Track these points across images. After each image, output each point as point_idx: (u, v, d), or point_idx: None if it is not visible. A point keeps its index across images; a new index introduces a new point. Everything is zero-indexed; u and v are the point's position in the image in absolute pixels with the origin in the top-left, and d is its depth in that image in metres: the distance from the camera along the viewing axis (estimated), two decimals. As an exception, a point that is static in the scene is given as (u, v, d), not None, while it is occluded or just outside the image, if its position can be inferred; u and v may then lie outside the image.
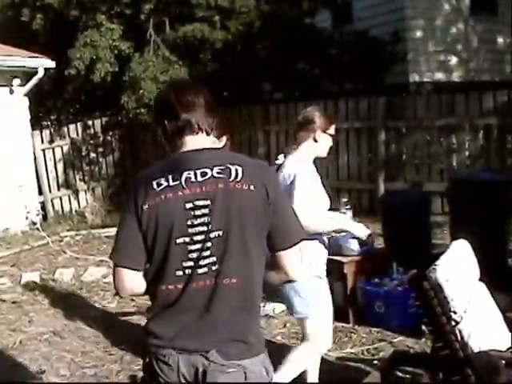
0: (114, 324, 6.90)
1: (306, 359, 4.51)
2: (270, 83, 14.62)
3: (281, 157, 4.39)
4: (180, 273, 2.54)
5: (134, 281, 2.64)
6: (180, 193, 2.55)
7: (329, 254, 4.54)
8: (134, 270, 2.62)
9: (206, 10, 12.44)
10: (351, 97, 11.84)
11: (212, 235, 2.53)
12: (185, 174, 2.57)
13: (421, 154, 10.92)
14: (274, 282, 2.83)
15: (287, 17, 13.20)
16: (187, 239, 2.53)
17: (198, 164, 2.59)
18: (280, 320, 6.64)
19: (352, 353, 5.67)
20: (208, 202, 2.53)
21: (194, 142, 2.68)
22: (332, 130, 4.35)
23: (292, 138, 4.24)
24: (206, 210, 2.53)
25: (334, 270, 6.29)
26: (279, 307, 6.84)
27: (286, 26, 13.13)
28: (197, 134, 2.68)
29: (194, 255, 2.53)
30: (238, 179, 2.56)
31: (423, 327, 5.50)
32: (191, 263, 2.54)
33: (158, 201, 2.54)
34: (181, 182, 2.56)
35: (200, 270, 2.54)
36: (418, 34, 16.29)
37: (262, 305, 6.76)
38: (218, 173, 2.56)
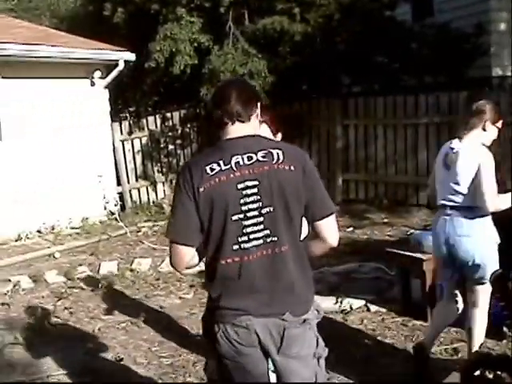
0: (191, 314, 6.94)
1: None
2: (348, 76, 14.47)
3: (455, 141, 4.87)
4: (236, 247, 2.92)
5: (190, 256, 3.01)
6: (232, 175, 2.91)
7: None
8: (190, 246, 2.98)
9: (285, 2, 12.39)
10: (431, 91, 11.63)
11: (264, 211, 2.92)
12: (234, 159, 2.94)
13: (504, 150, 10.63)
14: (316, 251, 3.17)
15: (367, 9, 13.02)
16: (241, 216, 2.91)
17: (243, 149, 2.97)
18: (356, 316, 6.58)
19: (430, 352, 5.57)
20: (257, 183, 2.92)
21: (234, 130, 3.03)
22: (499, 124, 4.90)
23: (463, 124, 4.87)
24: (255, 190, 2.92)
25: (412, 268, 6.22)
26: (356, 303, 6.78)
27: (365, 18, 12.95)
28: (233, 123, 3.03)
29: (249, 230, 2.92)
30: (280, 161, 2.96)
31: (505, 329, 5.38)
32: (246, 238, 2.92)
33: (213, 183, 2.90)
34: (231, 166, 2.93)
35: (256, 242, 2.93)
36: (502, 26, 15.86)
37: (339, 300, 6.76)
38: (262, 156, 2.95)
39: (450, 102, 11.09)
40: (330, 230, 3.07)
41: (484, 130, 4.82)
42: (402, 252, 6.47)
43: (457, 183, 4.69)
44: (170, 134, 14.03)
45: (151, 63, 12.28)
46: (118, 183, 13.08)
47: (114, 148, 13.01)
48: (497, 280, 3.87)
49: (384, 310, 6.66)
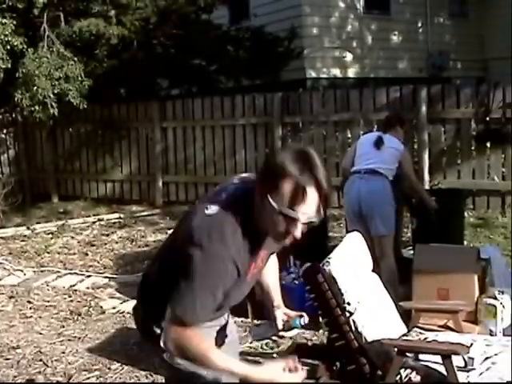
0: (11, 327, 6.73)
1: None
2: (167, 79, 14.53)
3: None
4: None
5: None
6: None
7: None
8: None
9: (101, 4, 12.27)
10: (248, 93, 11.90)
11: None
12: None
13: (317, 148, 11.07)
14: None
15: (183, 12, 13.16)
16: None
17: None
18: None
19: (251, 347, 5.70)
20: None
21: None
22: None
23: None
24: None
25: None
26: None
27: (182, 21, 13.09)
28: None
29: None
30: None
31: (320, 319, 5.62)
32: None
33: None
34: None
35: None
36: (315, 30, 16.52)
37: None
38: None
39: (266, 103, 11.39)
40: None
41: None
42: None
43: None
44: (-16, 140, 13.52)
45: (-39, 68, 11.75)
46: None
47: None
48: (306, 273, 4.04)
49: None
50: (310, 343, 5.51)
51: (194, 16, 13.73)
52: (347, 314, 3.92)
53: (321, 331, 5.73)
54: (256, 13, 16.37)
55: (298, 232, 2.51)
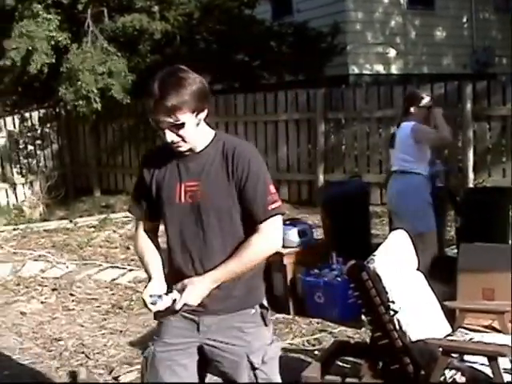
0: (54, 319, 6.79)
1: None
2: (209, 75, 14.54)
3: None
4: None
5: None
6: None
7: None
8: None
9: (144, 0, 12.32)
10: (291, 88, 11.85)
11: None
12: None
13: (360, 145, 11.01)
14: None
15: (226, 8, 13.17)
16: None
17: None
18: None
19: (293, 344, 5.69)
20: None
21: None
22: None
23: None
24: None
25: (273, 262, 6.33)
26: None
27: (225, 17, 13.09)
28: None
29: None
30: None
31: (363, 317, 5.57)
32: None
33: None
34: None
35: None
36: (358, 26, 16.41)
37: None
38: None
39: (308, 99, 11.33)
40: None
41: None
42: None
43: None
44: (29, 134, 13.65)
45: (7, 62, 11.89)
46: (-24, 186, 12.63)
47: (-30, 150, 12.54)
48: (351, 270, 4.00)
49: (248, 305, 6.74)
50: (352, 341, 5.46)
51: (237, 11, 13.74)
52: (391, 313, 3.87)
53: (363, 329, 5.68)
54: (299, 8, 16.35)
55: (166, 136, 2.86)
